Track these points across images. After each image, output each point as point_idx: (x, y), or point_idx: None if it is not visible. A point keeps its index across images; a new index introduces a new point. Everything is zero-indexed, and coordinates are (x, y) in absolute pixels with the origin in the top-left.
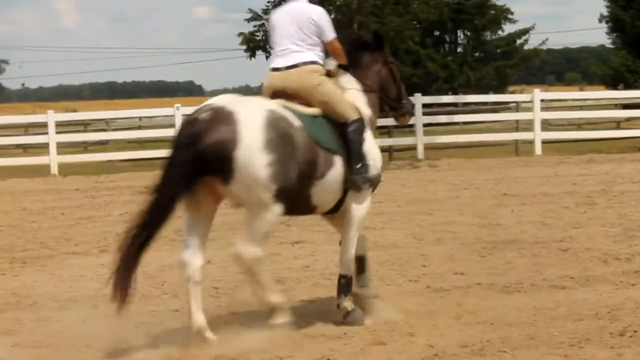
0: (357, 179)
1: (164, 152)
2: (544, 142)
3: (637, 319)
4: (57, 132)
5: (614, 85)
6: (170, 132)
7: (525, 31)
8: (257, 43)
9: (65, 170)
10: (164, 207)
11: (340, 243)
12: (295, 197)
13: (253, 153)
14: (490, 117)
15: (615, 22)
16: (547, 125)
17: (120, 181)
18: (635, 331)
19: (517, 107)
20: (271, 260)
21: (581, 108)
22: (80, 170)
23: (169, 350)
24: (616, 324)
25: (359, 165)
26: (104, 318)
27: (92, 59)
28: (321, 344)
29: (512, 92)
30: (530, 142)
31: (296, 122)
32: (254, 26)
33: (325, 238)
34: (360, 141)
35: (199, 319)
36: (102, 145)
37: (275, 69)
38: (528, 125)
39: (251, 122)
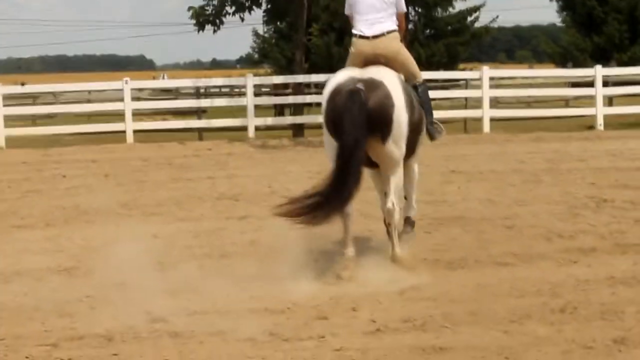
0: (431, 129)
1: (112, 126)
2: (493, 120)
3: (578, 295)
4: (5, 105)
5: (563, 64)
6: (119, 106)
7: (476, 8)
8: (207, 17)
9: (13, 143)
10: (358, 163)
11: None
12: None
13: (401, 112)
14: (439, 95)
15: (565, 1)
16: (496, 103)
17: (68, 154)
18: (576, 308)
19: (466, 84)
20: (217, 235)
21: (530, 86)
22: (28, 143)
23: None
24: (557, 300)
25: (431, 119)
26: (47, 291)
27: (43, 32)
28: (264, 318)
29: (463, 70)
30: (479, 120)
31: (408, 85)
32: (204, 0)
33: (270, 213)
34: (429, 98)
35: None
36: (51, 119)
37: (363, 37)
38: (477, 103)
39: (395, 88)
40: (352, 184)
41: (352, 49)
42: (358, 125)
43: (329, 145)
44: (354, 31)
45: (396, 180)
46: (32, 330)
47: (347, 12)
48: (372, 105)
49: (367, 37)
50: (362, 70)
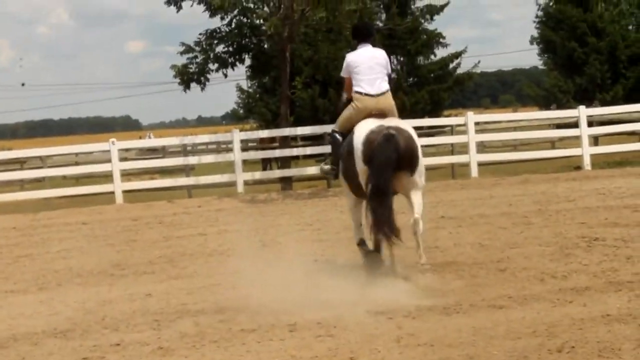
0: None
1: (101, 187)
2: (480, 165)
3: (574, 335)
4: None
5: (547, 106)
6: (107, 167)
7: (458, 55)
8: (190, 75)
9: (2, 209)
10: (387, 189)
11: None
12: None
13: (420, 153)
14: (425, 142)
15: (546, 44)
16: (482, 147)
17: (58, 218)
18: (573, 347)
19: (451, 130)
20: (211, 291)
21: (515, 129)
22: (17, 208)
23: None
24: (554, 340)
25: None
26: (44, 355)
27: (28, 97)
28: None
29: (448, 116)
30: (466, 165)
31: None
32: (187, 59)
33: (264, 267)
34: None
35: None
36: (39, 183)
37: (369, 95)
38: (463, 148)
39: (415, 135)
40: (388, 202)
41: (357, 104)
42: (394, 158)
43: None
44: (357, 89)
45: (420, 201)
46: None
47: (344, 74)
48: (403, 144)
49: (372, 95)
50: (382, 120)
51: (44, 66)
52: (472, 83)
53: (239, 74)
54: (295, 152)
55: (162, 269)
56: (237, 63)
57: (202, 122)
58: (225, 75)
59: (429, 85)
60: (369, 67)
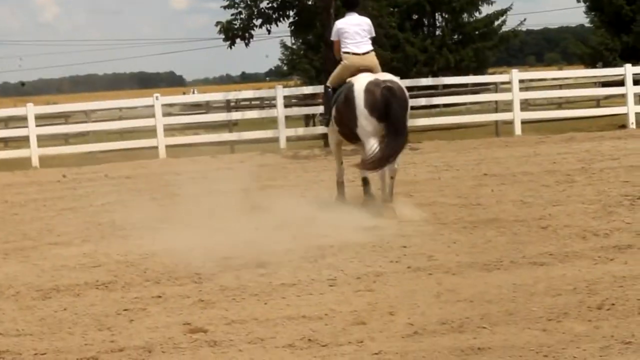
0: None
1: (145, 142)
2: (524, 122)
3: (614, 292)
4: (38, 125)
5: (593, 64)
6: (150, 122)
7: (503, 12)
8: (235, 32)
9: (47, 162)
10: (401, 125)
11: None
12: None
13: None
14: (469, 99)
15: (593, 1)
16: (526, 105)
17: (101, 172)
18: (613, 304)
19: (496, 88)
20: (253, 246)
21: (560, 87)
22: (62, 162)
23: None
24: (594, 297)
25: None
26: (86, 306)
27: (72, 52)
28: (302, 324)
29: (492, 74)
30: (510, 123)
31: None
32: (231, 15)
33: (306, 222)
34: None
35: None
36: (83, 137)
37: (356, 54)
38: (507, 106)
39: (403, 85)
40: (405, 141)
41: (345, 62)
42: (402, 106)
43: (368, 127)
44: (345, 50)
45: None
46: (73, 344)
47: (334, 38)
48: (400, 95)
49: (358, 54)
50: (376, 74)
51: (88, 22)
52: (518, 41)
53: (283, 30)
54: None
55: (204, 223)
56: (281, 19)
57: (246, 79)
58: (269, 32)
59: (474, 43)
60: (355, 32)
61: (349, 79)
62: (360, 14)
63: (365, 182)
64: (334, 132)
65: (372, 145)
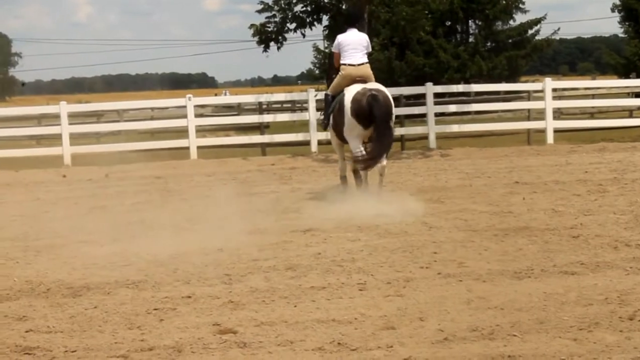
0: None
1: (176, 142)
2: (556, 131)
3: None
4: (70, 123)
5: (626, 75)
6: (182, 123)
7: (537, 21)
8: (269, 35)
9: (78, 161)
10: (385, 128)
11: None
12: None
13: (393, 109)
14: (502, 107)
15: (627, 11)
16: (559, 114)
17: (132, 171)
18: None
19: (528, 96)
20: (282, 248)
21: (593, 97)
22: (93, 160)
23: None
24: (626, 308)
25: None
26: (116, 304)
27: (105, 51)
28: (332, 328)
29: (525, 82)
30: (542, 131)
31: None
32: (265, 17)
33: (336, 226)
34: None
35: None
36: (115, 136)
37: (352, 65)
38: (540, 115)
39: (389, 94)
40: (391, 142)
41: (343, 72)
42: (385, 112)
43: (353, 132)
44: (343, 62)
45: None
46: (103, 342)
47: (335, 50)
48: (384, 102)
49: (354, 65)
50: (365, 84)
51: (121, 22)
52: (551, 50)
53: (316, 33)
54: None
55: (234, 224)
56: (315, 23)
57: (278, 82)
58: (304, 35)
59: (507, 51)
60: (353, 47)
61: (345, 89)
62: (360, 30)
63: (357, 175)
64: (333, 134)
65: (355, 148)
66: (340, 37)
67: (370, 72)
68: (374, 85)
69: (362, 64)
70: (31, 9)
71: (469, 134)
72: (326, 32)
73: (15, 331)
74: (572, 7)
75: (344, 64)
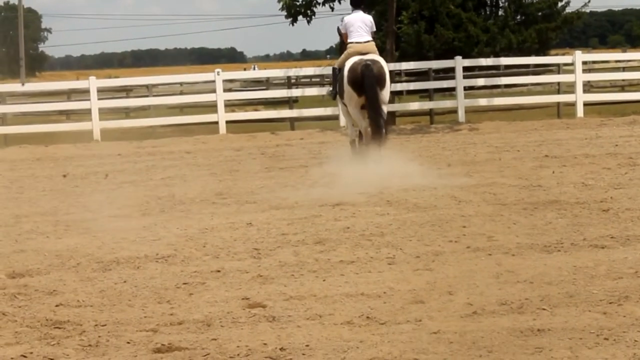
0: None
1: (205, 117)
2: (586, 104)
3: None
4: (99, 99)
5: None
6: (211, 97)
7: None
8: (298, 9)
9: (108, 136)
10: (377, 102)
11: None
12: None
13: (388, 75)
14: (531, 80)
15: None
16: (589, 87)
17: (162, 146)
18: None
19: (558, 69)
20: (311, 222)
21: (623, 70)
22: (122, 135)
23: (210, 310)
24: None
25: None
26: (146, 278)
27: (134, 26)
28: (361, 302)
29: (555, 55)
30: (572, 105)
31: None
32: None
33: (365, 200)
34: None
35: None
36: (144, 111)
37: (358, 42)
38: (570, 88)
39: (384, 63)
40: (378, 107)
41: (349, 49)
42: (376, 80)
43: (351, 99)
44: (350, 40)
45: (385, 110)
46: (132, 316)
47: (342, 30)
48: (376, 70)
49: (359, 42)
50: (363, 55)
51: None
52: (581, 23)
53: (346, 7)
54: (399, 87)
55: (263, 199)
56: None
57: (307, 56)
58: (332, 9)
59: (537, 24)
60: (358, 26)
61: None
62: (365, 11)
63: (353, 143)
64: (340, 103)
65: (354, 113)
66: (346, 19)
67: (375, 48)
68: (371, 56)
69: (367, 41)
70: None
71: (498, 108)
72: None
73: (45, 305)
74: None
75: (351, 42)
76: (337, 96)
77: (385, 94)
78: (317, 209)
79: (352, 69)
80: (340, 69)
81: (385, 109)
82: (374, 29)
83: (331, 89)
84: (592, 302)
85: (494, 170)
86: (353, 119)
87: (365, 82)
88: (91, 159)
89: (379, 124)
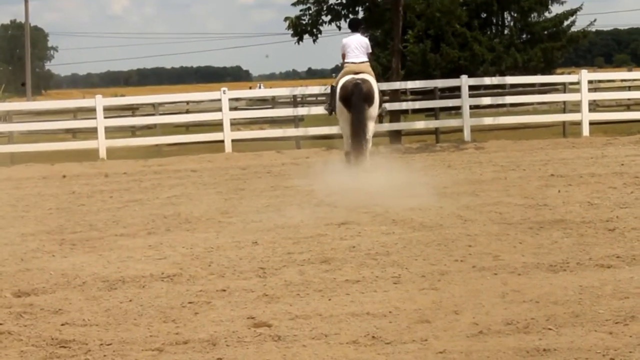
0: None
1: (211, 136)
2: (592, 123)
3: None
4: (106, 117)
5: None
6: (217, 116)
7: (573, 12)
8: (304, 27)
9: (113, 154)
10: (362, 119)
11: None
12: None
13: (377, 94)
14: (537, 99)
15: None
16: (595, 106)
17: (167, 165)
18: None
19: (564, 88)
20: (317, 241)
21: (629, 89)
22: (128, 154)
23: (213, 329)
24: None
25: None
26: (151, 297)
27: (141, 44)
28: (367, 321)
29: (561, 74)
30: (578, 124)
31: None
32: (300, 10)
33: (370, 219)
34: None
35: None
36: (150, 130)
37: (353, 62)
38: (576, 107)
39: (374, 82)
40: (362, 124)
41: (345, 69)
42: (362, 97)
43: (342, 115)
44: (346, 60)
45: (372, 127)
46: (138, 335)
47: (341, 51)
48: (365, 89)
49: (355, 63)
50: (355, 75)
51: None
52: (587, 42)
53: None
54: (404, 105)
55: (269, 217)
56: (350, 15)
57: (312, 75)
58: (339, 28)
59: (542, 43)
60: (355, 47)
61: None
62: (362, 33)
63: (347, 155)
64: (338, 117)
65: (344, 127)
66: (344, 40)
67: (369, 69)
68: (362, 76)
69: (362, 62)
70: (67, 2)
71: (504, 127)
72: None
73: (51, 324)
74: None
75: (347, 62)
76: (333, 112)
77: (372, 111)
78: (323, 228)
79: (344, 86)
80: (336, 86)
81: (372, 125)
82: (370, 51)
83: (328, 105)
84: (598, 322)
85: (499, 189)
86: (343, 133)
87: (353, 99)
88: (97, 177)
89: (360, 141)
